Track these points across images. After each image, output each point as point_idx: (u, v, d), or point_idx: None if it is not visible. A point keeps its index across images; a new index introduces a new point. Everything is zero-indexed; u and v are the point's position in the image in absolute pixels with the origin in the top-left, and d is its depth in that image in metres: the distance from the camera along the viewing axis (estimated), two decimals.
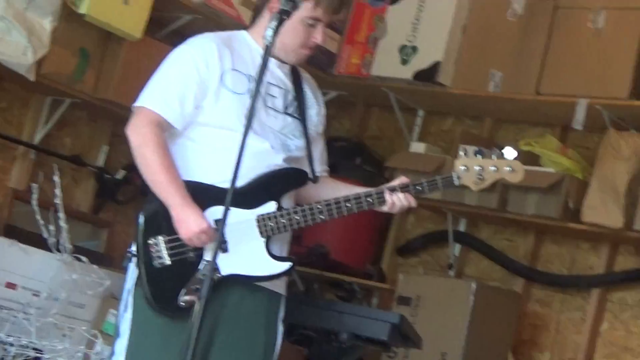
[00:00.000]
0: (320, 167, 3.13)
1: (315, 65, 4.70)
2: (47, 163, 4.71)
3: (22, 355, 3.99)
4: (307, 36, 2.82)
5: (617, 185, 4.56)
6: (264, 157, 2.84)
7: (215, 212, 2.72)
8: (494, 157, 2.82)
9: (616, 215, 4.43)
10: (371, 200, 2.82)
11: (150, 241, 2.79)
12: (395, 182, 2.84)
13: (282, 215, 2.84)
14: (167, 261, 2.82)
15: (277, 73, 2.89)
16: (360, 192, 2.86)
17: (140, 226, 2.84)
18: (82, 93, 4.53)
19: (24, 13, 4.15)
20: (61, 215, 4.22)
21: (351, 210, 2.85)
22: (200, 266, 2.80)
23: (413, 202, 2.83)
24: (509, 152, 2.85)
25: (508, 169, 2.85)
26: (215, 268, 2.66)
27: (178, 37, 3.59)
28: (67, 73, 4.42)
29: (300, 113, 3.04)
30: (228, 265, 2.80)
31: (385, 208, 2.83)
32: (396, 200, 2.80)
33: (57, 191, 4.26)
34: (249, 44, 2.87)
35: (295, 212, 2.86)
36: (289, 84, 2.98)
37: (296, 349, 4.29)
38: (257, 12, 2.99)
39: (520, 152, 3.63)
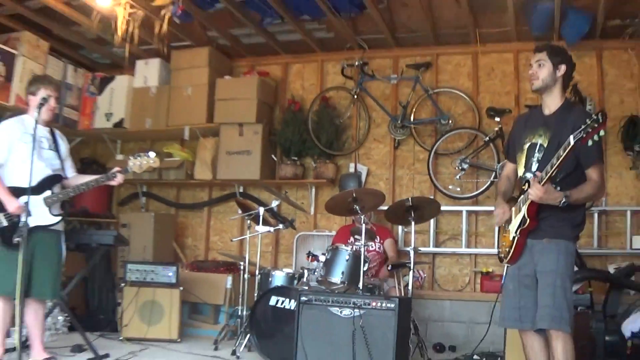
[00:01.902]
0: (71, 171, 5.45)
1: (69, 125, 8.33)
2: None
3: None
4: (50, 108, 5.20)
5: (206, 159, 8.37)
6: (42, 170, 5.11)
7: (23, 199, 4.81)
8: (145, 156, 5.42)
9: (207, 174, 8.37)
10: (104, 179, 5.28)
11: None
12: (114, 170, 5.31)
13: (52, 195, 5.13)
14: (5, 223, 5.01)
15: (43, 132, 5.20)
16: (95, 177, 5.31)
17: None
18: None
19: None
20: None
21: (92, 185, 5.28)
22: (20, 224, 4.75)
23: (122, 178, 5.34)
24: (151, 153, 5.47)
25: (152, 161, 5.43)
26: (26, 223, 4.71)
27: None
28: None
29: (56, 148, 5.33)
30: (33, 221, 4.88)
31: (114, 182, 5.34)
32: (117, 178, 5.31)
33: None
34: (28, 119, 5.17)
35: (59, 193, 5.19)
36: (49, 135, 5.31)
37: (78, 254, 7.21)
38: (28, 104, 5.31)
39: (162, 152, 7.99)
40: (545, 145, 4.15)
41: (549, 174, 3.83)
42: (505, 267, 4.44)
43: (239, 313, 6.80)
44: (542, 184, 3.87)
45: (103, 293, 7.87)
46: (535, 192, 3.89)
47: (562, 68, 4.21)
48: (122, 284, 7.01)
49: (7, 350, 5.22)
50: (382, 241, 6.96)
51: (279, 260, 8.54)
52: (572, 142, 3.64)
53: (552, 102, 4.26)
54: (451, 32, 7.84)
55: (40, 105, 5.06)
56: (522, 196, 4.19)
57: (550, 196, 3.89)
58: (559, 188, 3.95)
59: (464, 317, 7.36)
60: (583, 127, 3.56)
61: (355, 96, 8.14)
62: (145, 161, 5.38)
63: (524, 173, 4.28)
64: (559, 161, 3.75)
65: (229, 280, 7.57)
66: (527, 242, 4.18)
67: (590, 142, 3.60)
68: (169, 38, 7.89)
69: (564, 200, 3.89)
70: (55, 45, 8.34)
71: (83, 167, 8.45)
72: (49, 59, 8.05)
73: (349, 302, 5.12)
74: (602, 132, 3.54)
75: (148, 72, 8.75)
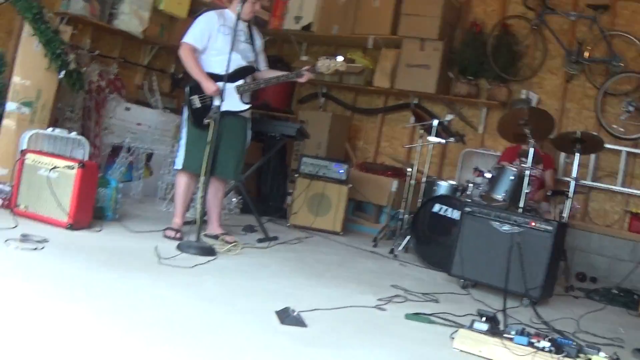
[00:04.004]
0: (263, 64, 5.67)
1: (259, 25, 8.43)
2: (149, 74, 8.24)
3: (144, 152, 7.41)
4: (253, 8, 5.36)
5: (386, 69, 8.83)
6: (237, 61, 5.30)
7: (219, 84, 5.07)
8: (333, 58, 5.45)
9: (386, 82, 9.08)
10: (293, 76, 5.46)
11: (192, 97, 5.30)
12: (304, 68, 5.42)
13: (245, 84, 5.34)
14: (199, 105, 5.30)
15: (241, 26, 5.28)
16: (284, 73, 5.53)
17: (187, 91, 5.36)
18: (162, 42, 7.99)
19: (137, 10, 7.38)
20: (157, 93, 8.03)
21: (282, 79, 5.53)
22: (213, 107, 5.12)
23: (310, 76, 5.45)
24: (339, 57, 5.48)
25: (339, 64, 5.44)
26: (218, 107, 5.02)
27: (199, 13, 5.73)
28: (156, 34, 7.81)
29: (252, 42, 5.52)
30: (225, 106, 5.07)
31: (301, 80, 5.45)
32: (306, 76, 5.42)
33: (155, 85, 8.05)
34: (229, 14, 5.39)
35: (250, 83, 5.40)
36: (247, 30, 5.47)
37: (255, 144, 7.60)
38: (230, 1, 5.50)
39: (346, 57, 7.95)
40: None
41: None
42: None
43: (401, 216, 7.15)
44: None
45: (275, 182, 8.38)
46: None
47: None
48: (296, 175, 7.49)
49: (186, 223, 5.63)
50: (544, 169, 7.05)
51: (443, 172, 8.84)
52: None
53: None
54: None
55: (244, 1, 5.22)
56: None
57: None
58: None
59: (608, 252, 7.51)
60: None
61: (535, 27, 8.21)
62: (333, 63, 5.46)
63: None
64: None
65: (394, 183, 7.94)
66: None
67: None
68: None
69: None
70: None
71: (269, 63, 8.82)
72: None
73: (510, 218, 5.31)
74: None
75: None
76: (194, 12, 7.31)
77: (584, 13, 8.02)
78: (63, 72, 6.00)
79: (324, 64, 5.45)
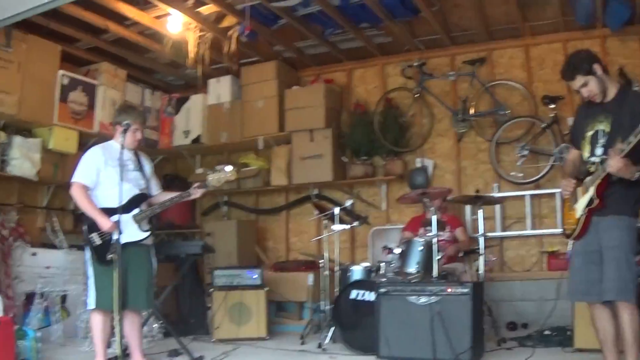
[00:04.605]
0: (155, 189, 5.66)
1: (150, 145, 8.92)
2: (50, 214, 8.08)
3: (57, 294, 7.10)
4: (135, 137, 5.38)
5: (281, 166, 9.02)
6: (130, 191, 5.31)
7: (114, 218, 5.09)
8: (222, 170, 5.50)
9: (283, 179, 8.86)
10: (186, 195, 5.49)
11: (91, 235, 5.23)
12: (194, 186, 5.49)
13: (141, 213, 5.33)
14: (99, 242, 5.21)
15: (128, 155, 5.40)
16: (178, 194, 5.52)
17: (85, 229, 5.29)
18: (57, 181, 7.92)
19: (27, 152, 7.35)
20: (60, 233, 7.72)
21: (175, 201, 5.52)
22: (113, 241, 5.05)
23: (203, 191, 5.53)
24: (228, 167, 5.53)
25: (229, 174, 5.50)
26: (118, 240, 5.02)
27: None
28: (50, 174, 7.80)
29: (141, 169, 5.53)
30: (125, 238, 5.12)
31: (193, 197, 5.55)
32: (197, 193, 5.50)
33: (57, 225, 7.81)
34: (114, 145, 5.41)
35: (146, 210, 5.37)
36: (134, 157, 5.50)
37: (167, 265, 7.50)
38: (114, 131, 5.50)
39: (239, 162, 8.32)
40: (607, 130, 4.30)
41: (630, 145, 3.98)
42: (571, 243, 4.61)
43: (322, 308, 7.12)
44: (621, 156, 4.03)
45: (193, 299, 8.23)
46: (615, 163, 4.03)
47: (597, 67, 4.33)
48: (211, 290, 7.39)
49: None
50: (452, 230, 7.20)
51: (356, 255, 8.85)
52: None
53: (609, 92, 4.42)
54: (502, 28, 8.12)
55: (125, 131, 5.30)
56: (589, 177, 4.35)
57: (628, 169, 4.01)
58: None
59: (533, 295, 7.61)
60: None
61: (417, 95, 8.50)
62: (223, 175, 5.56)
63: (589, 158, 4.43)
64: (637, 139, 3.93)
65: (310, 277, 7.93)
66: (593, 219, 4.34)
67: None
68: (237, 56, 8.34)
69: (637, 174, 4.06)
70: (132, 72, 8.93)
71: (166, 183, 8.74)
72: (127, 85, 8.66)
73: (426, 290, 5.41)
74: None
75: (220, 89, 9.28)
76: (84, 144, 7.38)
77: (462, 71, 8.40)
78: None
79: (214, 178, 5.51)
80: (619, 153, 4.02)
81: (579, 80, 4.35)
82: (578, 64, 4.37)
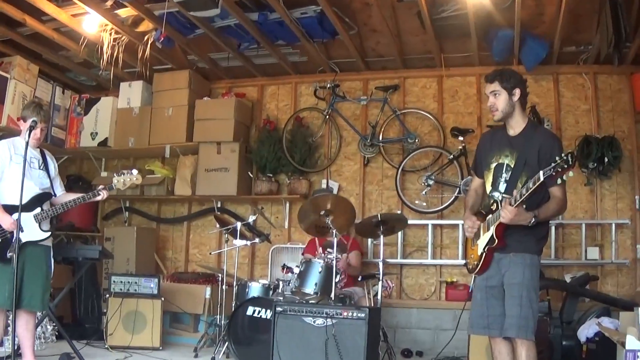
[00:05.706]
0: (59, 189, 5.62)
1: (56, 144, 8.75)
2: None
3: None
4: (35, 135, 5.27)
5: (186, 176, 8.75)
6: (32, 189, 5.25)
7: (15, 216, 4.95)
8: (128, 173, 5.64)
9: (187, 190, 8.75)
10: (90, 196, 5.46)
11: None
12: (99, 188, 5.48)
13: (42, 212, 5.26)
14: None
15: (34, 153, 5.35)
16: (81, 195, 5.46)
17: None
18: None
19: None
20: None
21: (79, 202, 5.45)
22: (13, 239, 4.93)
23: (107, 194, 5.53)
24: (134, 171, 5.69)
25: (135, 178, 5.65)
26: (19, 239, 4.89)
27: None
28: None
29: (46, 168, 5.49)
30: (25, 236, 5.06)
31: (98, 199, 5.51)
32: (104, 194, 5.50)
33: None
34: (20, 141, 5.31)
35: (48, 210, 5.31)
36: (40, 156, 5.46)
37: (64, 266, 7.54)
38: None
39: (144, 169, 8.07)
40: (512, 165, 4.29)
41: (520, 200, 4.06)
42: (473, 278, 4.67)
43: (218, 322, 7.11)
44: (515, 206, 4.10)
45: (89, 303, 8.09)
46: (507, 214, 4.07)
47: (517, 92, 4.35)
48: (107, 295, 7.27)
49: (0, 359, 5.34)
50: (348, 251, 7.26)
51: (255, 272, 8.87)
52: (541, 178, 3.88)
53: (515, 124, 4.46)
54: (418, 57, 8.31)
55: (30, 129, 5.20)
56: (490, 216, 4.40)
57: (521, 217, 4.08)
58: (524, 206, 4.15)
59: (430, 324, 7.78)
60: (553, 165, 3.77)
61: (327, 116, 8.62)
62: (128, 178, 5.58)
63: (492, 192, 4.48)
64: (528, 192, 4.00)
65: (207, 290, 7.85)
66: (495, 256, 4.41)
67: (559, 181, 3.89)
68: (151, 62, 8.32)
69: (532, 220, 4.09)
70: (45, 68, 8.75)
71: (69, 183, 8.76)
72: (38, 81, 8.45)
73: (322, 312, 5.42)
74: (570, 174, 3.78)
75: (131, 93, 9.16)
76: None
77: (374, 96, 8.53)
78: None
79: (120, 180, 5.55)
80: (512, 203, 4.09)
81: (495, 86, 4.37)
82: (507, 75, 4.38)
